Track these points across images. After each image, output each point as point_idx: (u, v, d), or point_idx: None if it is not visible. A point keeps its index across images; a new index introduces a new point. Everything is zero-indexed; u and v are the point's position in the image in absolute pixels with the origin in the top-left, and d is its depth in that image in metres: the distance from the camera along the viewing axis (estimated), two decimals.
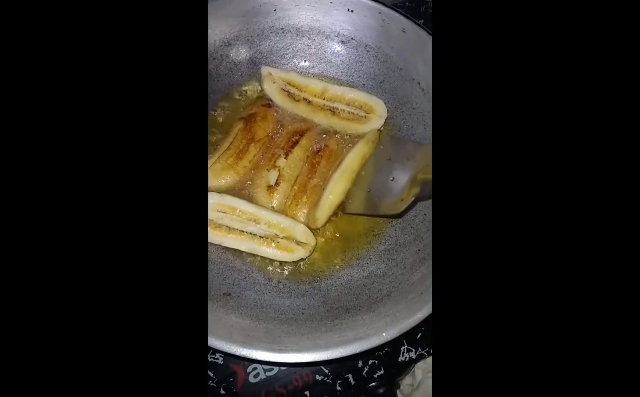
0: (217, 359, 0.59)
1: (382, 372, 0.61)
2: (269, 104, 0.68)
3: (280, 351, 0.48)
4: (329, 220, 0.63)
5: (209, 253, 0.59)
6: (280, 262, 0.60)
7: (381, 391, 0.62)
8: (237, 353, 0.47)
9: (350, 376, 0.61)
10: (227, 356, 0.59)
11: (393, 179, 0.56)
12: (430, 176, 0.53)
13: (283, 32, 0.69)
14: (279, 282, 0.59)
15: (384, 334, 0.48)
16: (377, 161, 0.61)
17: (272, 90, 0.68)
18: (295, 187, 0.63)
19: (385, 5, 0.65)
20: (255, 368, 0.60)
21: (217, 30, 0.66)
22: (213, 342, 0.47)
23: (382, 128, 0.68)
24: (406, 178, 0.55)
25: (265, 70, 0.69)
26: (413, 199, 0.55)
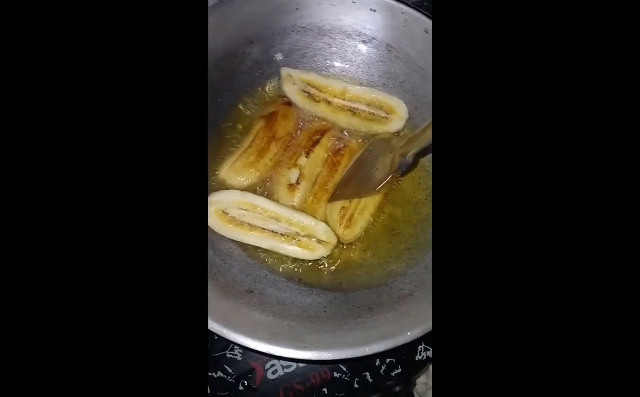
0: (236, 355, 0.60)
1: (399, 370, 0.61)
2: (289, 102, 0.68)
3: (304, 348, 0.48)
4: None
5: (230, 251, 0.60)
6: (301, 260, 0.61)
7: (397, 389, 0.63)
8: (263, 350, 0.47)
9: (367, 374, 0.61)
10: (245, 352, 0.60)
11: (377, 169, 0.59)
12: (405, 150, 0.56)
13: (305, 31, 0.69)
14: (300, 280, 0.60)
15: (408, 333, 0.48)
16: (365, 158, 0.64)
17: (292, 92, 0.68)
18: (316, 186, 0.64)
19: (408, 5, 0.65)
20: (273, 364, 0.60)
21: (240, 29, 0.66)
22: (238, 338, 0.48)
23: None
24: (387, 165, 0.58)
25: (285, 71, 0.69)
26: (389, 178, 0.58)
